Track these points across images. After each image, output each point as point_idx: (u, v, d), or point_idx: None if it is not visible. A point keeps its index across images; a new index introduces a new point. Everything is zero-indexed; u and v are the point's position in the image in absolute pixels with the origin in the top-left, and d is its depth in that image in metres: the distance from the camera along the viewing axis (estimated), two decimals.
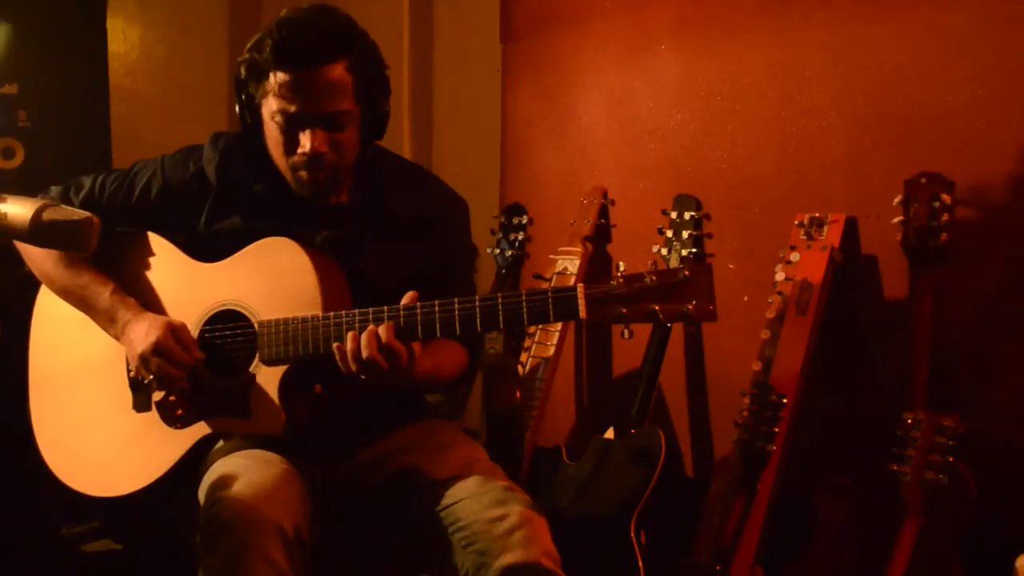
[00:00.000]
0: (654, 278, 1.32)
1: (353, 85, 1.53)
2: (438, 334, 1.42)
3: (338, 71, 1.50)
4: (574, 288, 1.33)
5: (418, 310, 1.43)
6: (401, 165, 1.78)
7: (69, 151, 2.66)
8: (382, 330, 1.42)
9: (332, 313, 1.48)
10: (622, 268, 1.35)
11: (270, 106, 1.52)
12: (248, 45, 1.53)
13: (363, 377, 1.46)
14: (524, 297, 1.36)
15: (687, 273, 1.31)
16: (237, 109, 1.58)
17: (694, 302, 1.30)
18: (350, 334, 1.44)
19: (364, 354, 1.42)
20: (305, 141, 1.52)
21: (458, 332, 1.41)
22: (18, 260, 1.73)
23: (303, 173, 1.56)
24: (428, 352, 1.55)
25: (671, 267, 1.33)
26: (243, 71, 1.54)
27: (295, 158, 1.55)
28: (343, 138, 1.55)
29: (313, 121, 1.52)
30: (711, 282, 1.31)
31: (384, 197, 1.67)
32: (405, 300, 1.45)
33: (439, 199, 1.73)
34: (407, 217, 1.67)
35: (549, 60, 2.77)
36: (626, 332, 1.37)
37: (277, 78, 1.49)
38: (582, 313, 1.33)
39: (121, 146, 2.86)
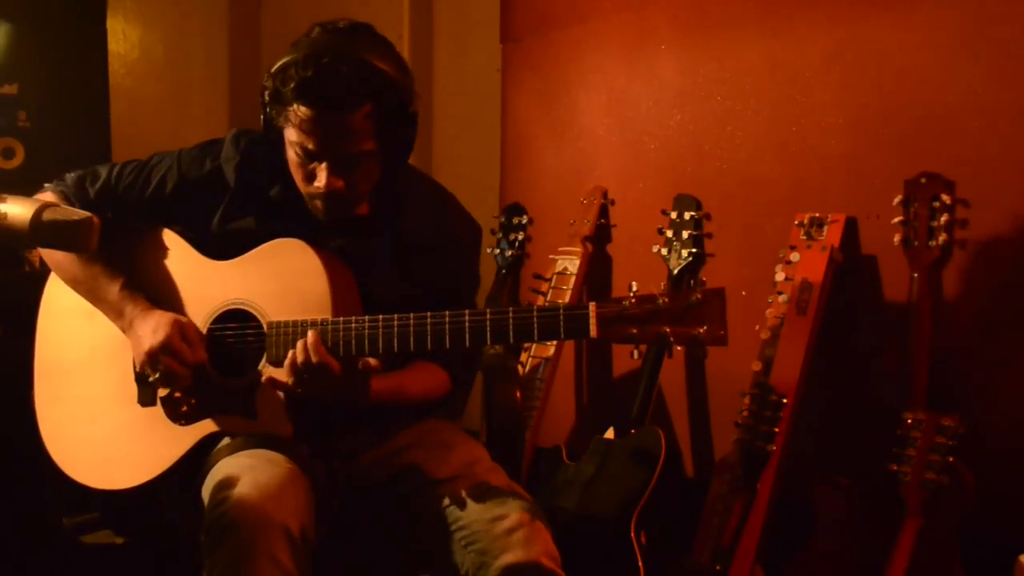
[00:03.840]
0: (667, 300, 1.31)
1: (375, 126, 1.50)
2: (447, 344, 1.41)
3: (360, 116, 1.47)
4: (586, 307, 1.33)
5: (428, 319, 1.42)
6: (423, 185, 1.76)
7: (69, 151, 2.66)
8: (309, 344, 1.44)
9: (341, 318, 1.48)
10: (635, 288, 1.34)
11: (290, 135, 1.51)
12: (275, 66, 1.49)
13: (299, 390, 1.47)
14: (536, 312, 1.36)
15: (700, 296, 1.30)
16: (262, 119, 1.56)
17: (705, 326, 1.29)
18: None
19: (299, 364, 1.44)
20: (321, 177, 1.51)
21: (468, 344, 1.40)
22: (18, 260, 1.74)
23: (318, 203, 1.56)
24: (394, 372, 1.57)
25: (684, 288, 1.32)
26: (267, 96, 1.51)
27: (311, 189, 1.54)
28: (360, 174, 1.54)
29: (330, 159, 1.50)
30: (724, 307, 1.30)
31: (400, 215, 1.66)
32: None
33: (455, 223, 1.73)
34: (421, 237, 1.66)
35: (549, 60, 2.77)
36: (635, 353, 1.36)
37: (299, 112, 1.46)
38: (593, 332, 1.32)
39: (121, 146, 2.86)
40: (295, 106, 1.46)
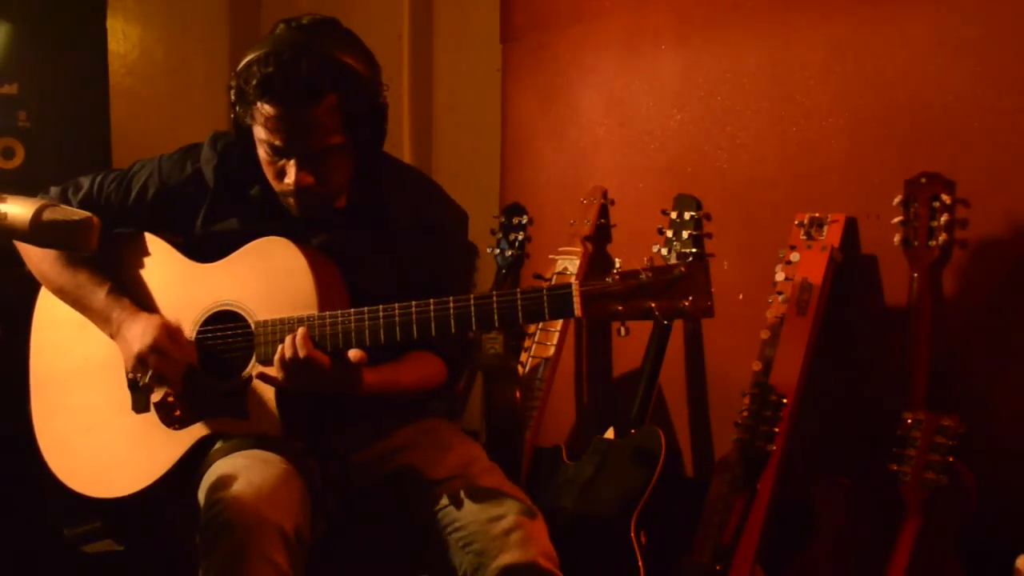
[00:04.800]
0: (650, 275, 1.31)
1: (341, 119, 1.49)
2: (433, 332, 1.42)
3: (324, 109, 1.46)
4: (569, 285, 1.33)
5: (413, 308, 1.42)
6: (402, 172, 1.76)
7: (69, 151, 2.66)
8: (297, 340, 1.44)
9: (328, 313, 1.48)
10: (618, 265, 1.34)
11: (258, 133, 1.51)
12: (240, 65, 1.49)
13: (289, 386, 1.48)
14: (519, 295, 1.36)
15: (683, 269, 1.29)
16: (232, 118, 1.56)
17: (691, 298, 1.29)
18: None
19: (287, 360, 1.44)
20: (290, 174, 1.51)
21: (453, 330, 1.41)
22: (18, 260, 1.74)
23: (290, 200, 1.56)
24: (387, 364, 1.57)
25: (667, 263, 1.32)
26: (233, 95, 1.51)
27: (282, 186, 1.54)
28: (330, 168, 1.53)
29: (298, 155, 1.50)
30: (708, 278, 1.29)
31: (383, 204, 1.66)
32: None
33: (438, 208, 1.72)
34: (404, 225, 1.66)
35: (549, 60, 2.77)
36: (622, 330, 1.36)
37: (263, 110, 1.46)
38: (577, 311, 1.32)
39: (121, 146, 2.86)
40: (259, 104, 1.46)
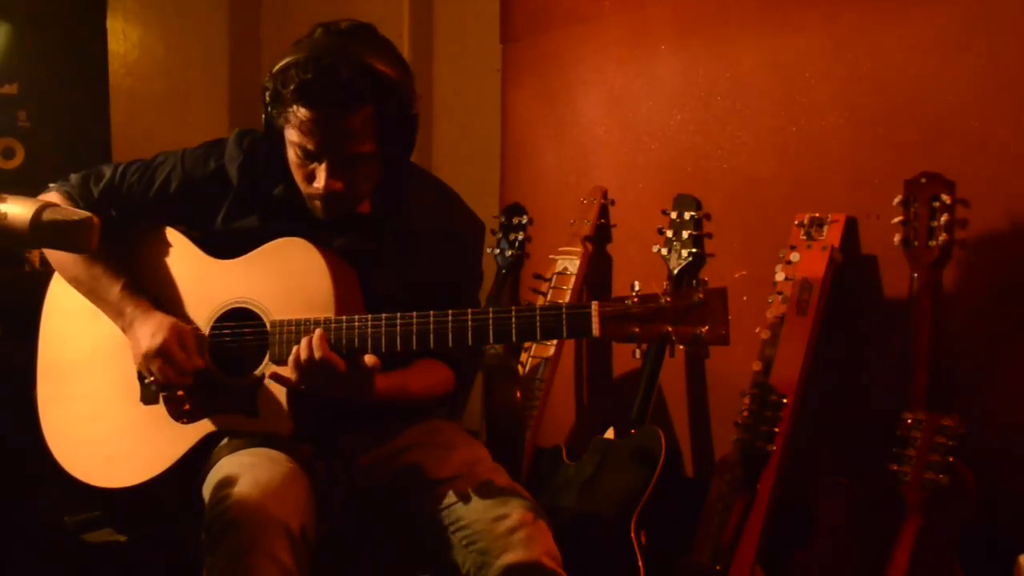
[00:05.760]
0: (669, 299, 1.32)
1: (375, 128, 1.49)
2: (450, 343, 1.42)
3: (360, 117, 1.47)
4: (588, 306, 1.33)
5: (431, 318, 1.43)
6: (425, 180, 1.77)
7: (69, 151, 2.67)
8: (314, 341, 1.44)
9: (345, 316, 1.49)
10: (637, 287, 1.35)
11: (290, 136, 1.51)
12: (276, 67, 1.49)
13: (302, 387, 1.48)
14: (538, 312, 1.37)
15: (702, 296, 1.31)
16: (263, 118, 1.56)
17: (707, 326, 1.30)
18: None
19: (302, 361, 1.45)
20: (320, 178, 1.51)
21: (470, 343, 1.41)
22: (18, 260, 1.74)
23: (317, 203, 1.56)
24: (397, 370, 1.57)
25: (685, 288, 1.33)
26: (267, 96, 1.51)
27: (310, 189, 1.54)
28: (360, 175, 1.54)
29: (330, 160, 1.50)
30: (725, 306, 1.31)
31: (404, 213, 1.66)
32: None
33: (458, 220, 1.73)
34: (424, 234, 1.66)
35: (549, 60, 2.77)
36: (637, 352, 1.37)
37: (298, 114, 1.46)
38: (595, 331, 1.33)
39: (121, 146, 2.86)
40: (295, 107, 1.46)
